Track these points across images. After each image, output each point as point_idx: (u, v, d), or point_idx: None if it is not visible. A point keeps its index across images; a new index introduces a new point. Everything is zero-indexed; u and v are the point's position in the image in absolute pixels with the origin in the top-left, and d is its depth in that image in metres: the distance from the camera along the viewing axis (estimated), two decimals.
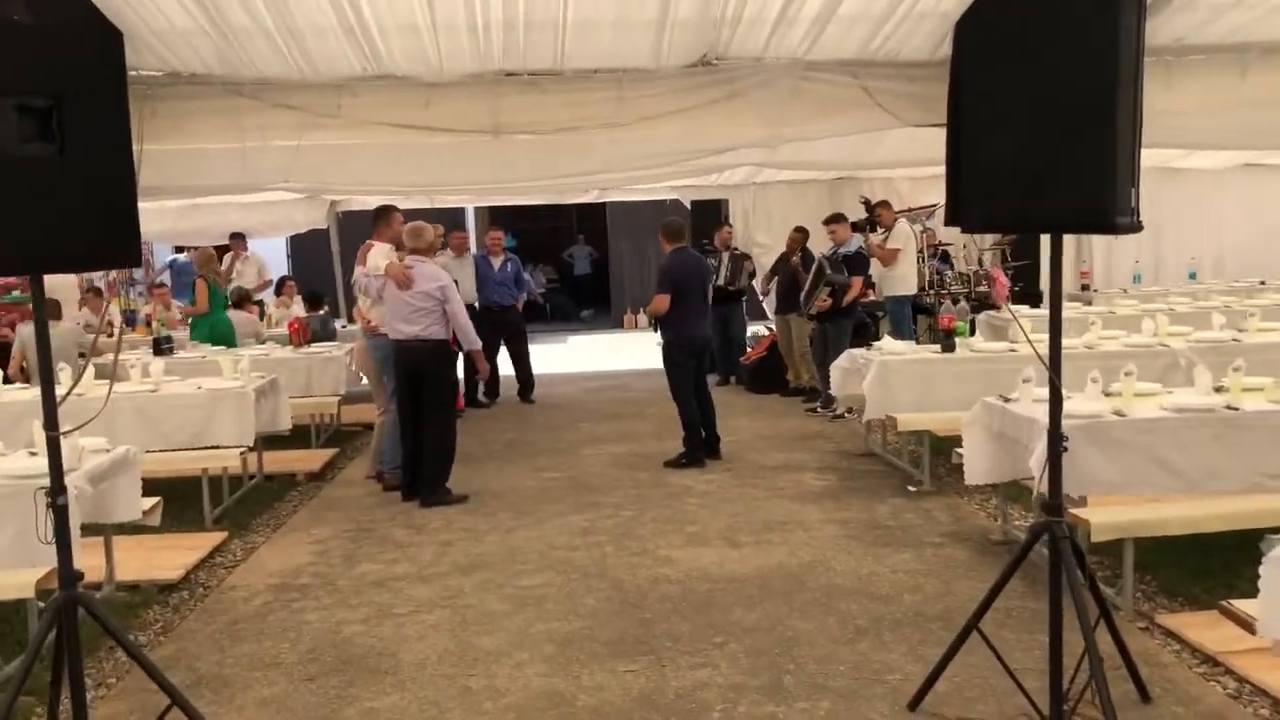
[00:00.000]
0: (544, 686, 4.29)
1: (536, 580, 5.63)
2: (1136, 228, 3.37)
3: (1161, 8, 3.77)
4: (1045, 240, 11.04)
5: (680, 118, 4.63)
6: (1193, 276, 12.68)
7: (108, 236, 3.14)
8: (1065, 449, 3.70)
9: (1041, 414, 5.18)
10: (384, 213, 7.66)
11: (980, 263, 12.74)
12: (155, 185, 4.14)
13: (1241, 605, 3.63)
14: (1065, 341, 7.88)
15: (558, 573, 5.74)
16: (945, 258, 12.42)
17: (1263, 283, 12.18)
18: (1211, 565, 5.15)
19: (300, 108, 4.61)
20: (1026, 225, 3.56)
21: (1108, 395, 5.39)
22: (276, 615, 5.27)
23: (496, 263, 11.60)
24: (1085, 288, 12.79)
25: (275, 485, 7.95)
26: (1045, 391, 5.49)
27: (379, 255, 7.36)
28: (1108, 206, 3.20)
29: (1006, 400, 5.57)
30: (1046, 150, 3.29)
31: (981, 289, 12.04)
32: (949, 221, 3.58)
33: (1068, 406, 5.23)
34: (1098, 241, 13.37)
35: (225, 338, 10.06)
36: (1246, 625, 3.51)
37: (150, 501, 5.59)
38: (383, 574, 5.86)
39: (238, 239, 13.00)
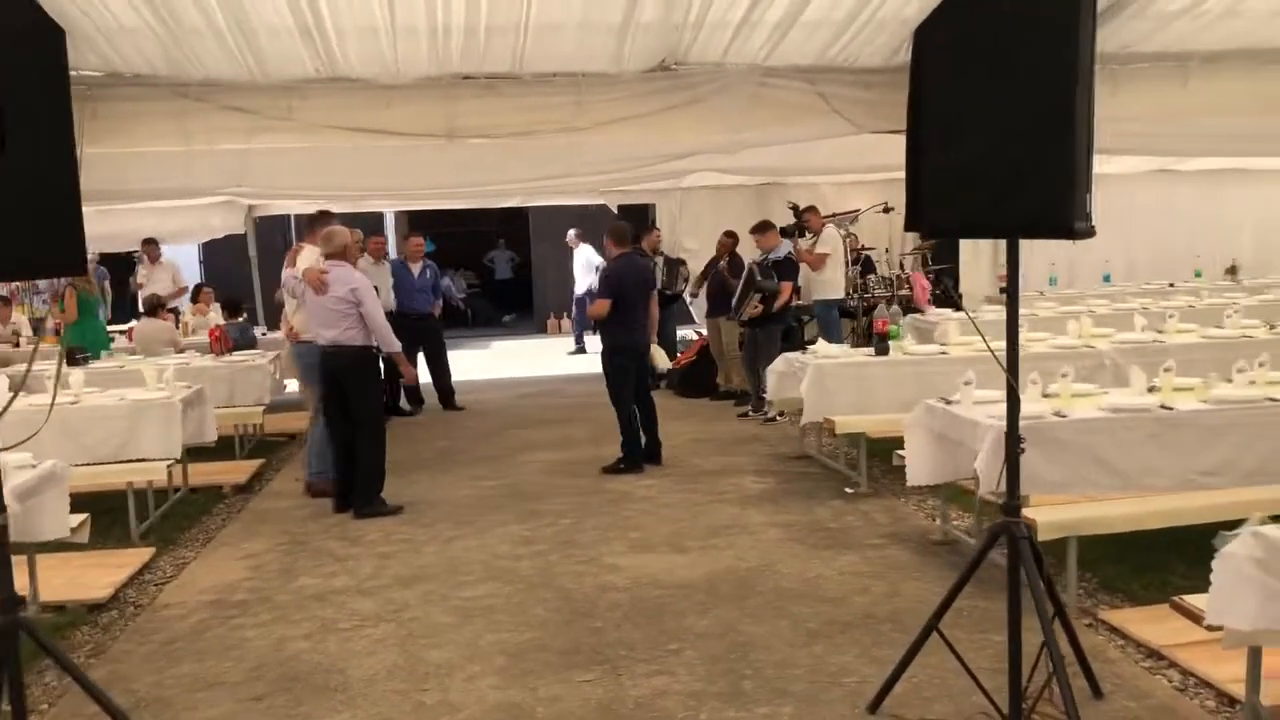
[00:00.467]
0: (500, 699, 4.22)
1: (481, 591, 5.54)
2: (1091, 232, 3.43)
3: (1112, 16, 3.86)
4: (965, 246, 11.38)
5: (639, 123, 4.59)
6: (1107, 279, 13.04)
7: (50, 243, 3.00)
8: (1023, 450, 3.75)
9: (983, 415, 5.30)
10: (317, 218, 7.51)
11: (902, 267, 12.97)
12: (96, 190, 3.95)
13: (1193, 600, 3.72)
14: (993, 344, 8.04)
15: (503, 583, 5.66)
16: (868, 263, 12.61)
17: (1172, 285, 12.59)
18: (1149, 561, 5.28)
19: (250, 110, 4.46)
20: (987, 230, 3.61)
21: (1046, 396, 5.49)
22: (215, 633, 5.11)
23: (415, 269, 11.43)
24: (1003, 290, 13.03)
25: (201, 498, 7.71)
26: (986, 393, 5.65)
27: (308, 257, 7.21)
28: (1068, 212, 3.25)
29: (948, 402, 5.64)
30: (1007, 156, 3.33)
31: (904, 293, 12.26)
32: (908, 227, 3.61)
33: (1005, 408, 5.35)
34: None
35: (97, 346, 9.71)
36: (1198, 619, 3.59)
37: (78, 518, 5.37)
38: (322, 588, 5.72)
39: (150, 244, 12.57)
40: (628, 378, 8.16)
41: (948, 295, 12.67)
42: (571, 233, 16.59)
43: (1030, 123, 3.27)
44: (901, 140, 8.70)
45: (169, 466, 6.91)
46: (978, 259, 13.94)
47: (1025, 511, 4.97)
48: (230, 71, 4.47)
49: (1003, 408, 5.26)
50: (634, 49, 4.49)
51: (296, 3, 4.00)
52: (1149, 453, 5.17)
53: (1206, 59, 4.73)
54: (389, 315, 9.52)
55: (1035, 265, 13.66)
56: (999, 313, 10.48)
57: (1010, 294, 3.70)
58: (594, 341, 15.98)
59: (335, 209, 10.27)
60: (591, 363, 15.27)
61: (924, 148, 3.55)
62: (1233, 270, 12.90)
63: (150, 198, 9.16)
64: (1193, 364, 6.84)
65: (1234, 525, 4.14)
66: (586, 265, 16.13)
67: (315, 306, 7.11)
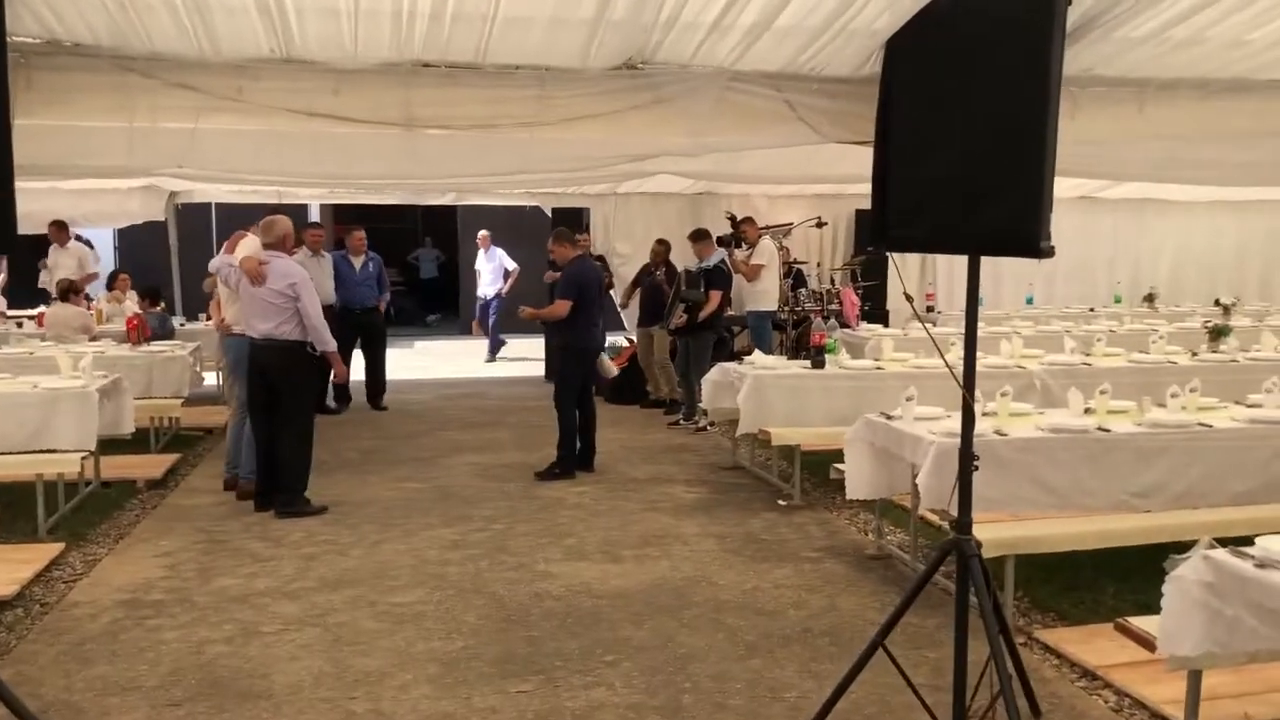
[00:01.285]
0: (433, 709, 4.08)
1: (411, 597, 5.38)
2: (1052, 252, 3.43)
3: (1077, 39, 3.89)
4: (894, 261, 11.29)
5: (603, 121, 4.49)
6: (1030, 301, 13.27)
7: None
8: (977, 467, 3.74)
9: (925, 430, 5.31)
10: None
11: (832, 282, 13.06)
12: (28, 164, 3.71)
13: (1139, 623, 3.74)
14: (926, 362, 8.11)
15: (432, 588, 5.51)
16: (799, 276, 12.66)
17: (1092, 310, 12.87)
18: (1078, 580, 5.33)
19: (198, 88, 4.25)
20: (951, 246, 3.59)
21: (985, 415, 5.52)
22: (129, 634, 4.88)
23: (357, 262, 11.19)
24: (930, 308, 13.22)
25: (114, 493, 7.40)
26: (927, 409, 5.67)
27: (248, 246, 6.98)
28: (1035, 231, 3.24)
29: (889, 417, 5.64)
30: (973, 172, 3.32)
31: (833, 307, 12.34)
32: (871, 242, 3.58)
33: (948, 425, 5.37)
34: (941, 263, 13.89)
35: None
36: (1144, 642, 3.61)
37: None
38: (243, 589, 5.51)
39: (58, 227, 12.03)
40: (578, 382, 8.07)
41: (878, 310, 12.84)
42: (483, 233, 15.88)
43: (998, 140, 3.26)
44: (842, 149, 8.78)
45: (83, 459, 6.61)
46: (906, 277, 14.05)
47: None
48: (179, 46, 4.25)
49: (945, 424, 5.37)
50: (601, 46, 4.39)
51: None
52: (1085, 473, 5.23)
53: (1162, 86, 4.80)
54: (330, 310, 9.33)
55: (962, 284, 13.88)
56: (926, 330, 10.62)
57: (970, 312, 3.69)
58: (514, 347, 15.84)
59: (258, 200, 10.04)
60: (514, 366, 15.18)
61: (891, 161, 3.52)
62: (1150, 297, 13.22)
63: (87, 175, 8.77)
64: (1120, 387, 6.94)
65: (1174, 548, 4.21)
66: (497, 269, 15.60)
67: (250, 298, 6.87)
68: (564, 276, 8.15)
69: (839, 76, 4.59)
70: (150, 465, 8.03)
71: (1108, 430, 5.29)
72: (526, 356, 15.53)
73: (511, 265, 15.41)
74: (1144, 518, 5.15)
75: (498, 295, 15.56)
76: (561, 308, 7.94)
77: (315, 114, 4.38)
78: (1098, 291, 13.67)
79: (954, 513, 4.98)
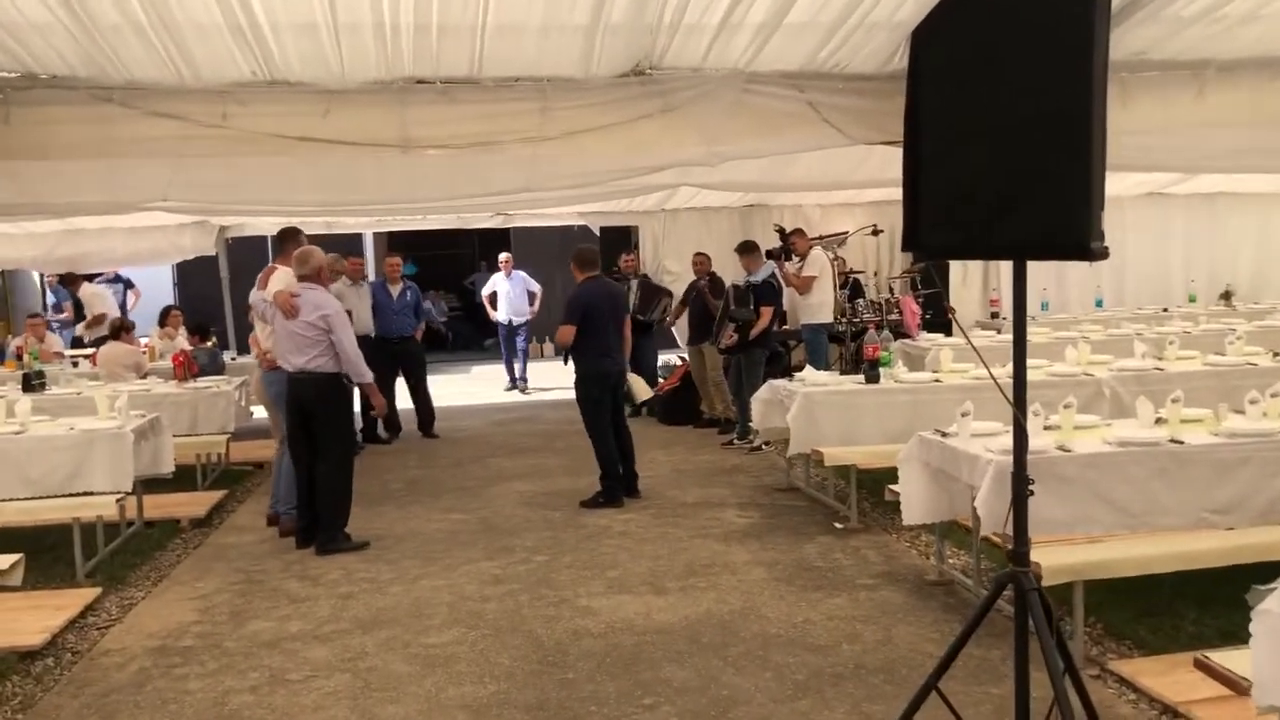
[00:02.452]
0: None
1: (446, 637, 5.17)
2: (1106, 254, 3.12)
3: (1122, 20, 3.57)
4: (955, 269, 10.97)
5: (610, 132, 4.24)
6: (1099, 304, 12.77)
7: None
8: (1032, 492, 3.41)
9: (982, 449, 4.97)
10: (290, 235, 7.17)
11: (891, 291, 12.67)
12: (6, 203, 3.59)
13: (1220, 659, 3.37)
14: (983, 372, 7.72)
15: (468, 628, 5.29)
16: (856, 286, 12.31)
17: (1166, 310, 12.33)
18: (1156, 605, 4.94)
19: (180, 116, 4.09)
20: (991, 251, 3.28)
21: (1048, 429, 5.16)
22: (155, 685, 4.72)
23: (395, 290, 11.09)
24: (994, 315, 12.79)
25: (157, 533, 7.31)
26: (984, 425, 5.32)
27: (280, 280, 6.86)
28: (1084, 231, 2.94)
29: (944, 435, 5.31)
30: (1014, 170, 3.03)
31: (893, 317, 11.96)
32: (905, 247, 3.29)
33: (1007, 441, 5.01)
34: (1005, 267, 13.43)
35: None
36: (1228, 682, 3.25)
37: (10, 558, 4.99)
38: (275, 633, 5.34)
39: (69, 278, 12.61)
40: (602, 407, 7.81)
41: (940, 319, 12.44)
42: (505, 256, 14.77)
43: (1040, 133, 2.97)
44: (894, 152, 8.42)
45: (119, 500, 6.51)
46: (968, 283, 13.68)
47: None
48: (156, 74, 4.09)
49: (1003, 440, 5.02)
50: (604, 52, 4.15)
51: None
52: (1158, 489, 4.84)
53: (1222, 68, 4.42)
54: (368, 339, 9.22)
55: (1029, 290, 13.40)
56: (990, 339, 10.22)
57: (1017, 320, 3.38)
58: (538, 376, 15.19)
59: (310, 229, 9.95)
60: (567, 388, 14.92)
61: (923, 160, 3.23)
62: (1227, 295, 12.64)
63: (67, 213, 8.71)
64: (1195, 393, 6.54)
65: (1259, 569, 3.83)
66: (520, 293, 14.39)
67: (284, 331, 6.75)
68: (567, 300, 7.89)
69: (864, 74, 4.29)
70: (195, 503, 7.94)
71: (1181, 442, 4.91)
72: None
73: (535, 287, 14.55)
74: (1224, 536, 4.76)
75: (526, 322, 14.60)
76: (566, 334, 7.71)
77: (306, 138, 4.19)
78: (1172, 291, 13.09)
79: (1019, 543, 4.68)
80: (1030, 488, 3.39)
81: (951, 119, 3.15)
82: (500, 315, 14.50)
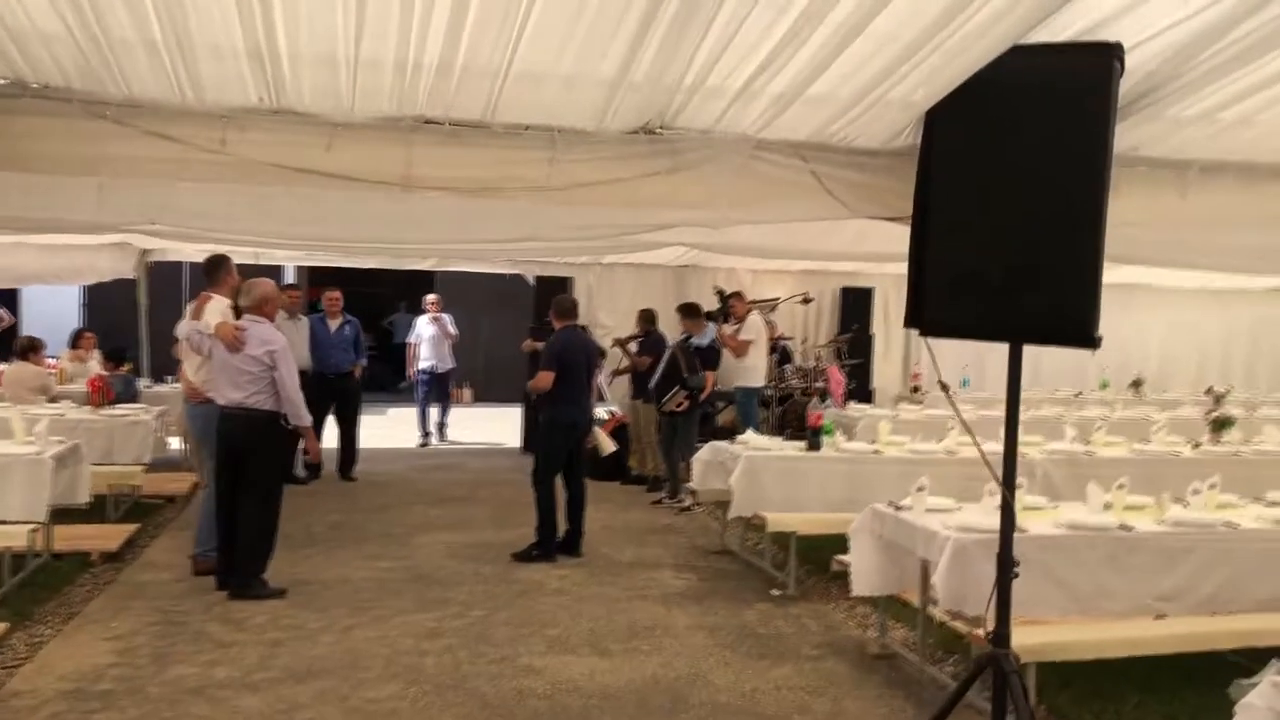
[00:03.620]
0: None
1: (385, 691, 4.98)
2: (1100, 343, 3.19)
3: (1124, 116, 3.68)
4: (878, 342, 11.10)
5: (617, 188, 4.21)
6: None
7: None
8: (1017, 574, 3.44)
9: (939, 524, 5.00)
10: (221, 263, 6.94)
11: (818, 359, 12.84)
12: None
13: None
14: (924, 446, 7.82)
15: (408, 682, 5.10)
16: (785, 353, 12.44)
17: (1079, 394, 12.70)
18: (1099, 687, 5.01)
19: (177, 138, 3.93)
20: (995, 334, 3.32)
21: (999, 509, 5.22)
22: None
23: (334, 325, 10.85)
24: (915, 389, 13.02)
25: (65, 566, 6.92)
26: (938, 500, 5.37)
27: (216, 310, 6.61)
28: (1087, 319, 3.00)
29: (898, 508, 5.34)
30: (1021, 255, 3.08)
31: (819, 384, 12.10)
32: (908, 324, 3.32)
33: (963, 518, 5.08)
34: (925, 343, 13.71)
35: None
36: None
37: None
38: (201, 679, 5.08)
39: None
40: (558, 457, 7.71)
41: (863, 388, 12.62)
42: (431, 297, 13.88)
43: (1049, 221, 3.03)
44: (834, 228, 8.56)
45: (32, 531, 6.17)
46: (889, 358, 13.96)
47: (982, 633, 4.67)
48: (157, 92, 3.93)
49: (960, 516, 5.08)
50: (620, 107, 4.13)
51: (251, 22, 3.52)
52: (1106, 575, 4.93)
53: (1205, 168, 4.61)
54: (305, 375, 8.95)
55: (947, 365, 13.70)
56: (916, 412, 10.39)
57: (1010, 403, 3.42)
58: (456, 425, 14.54)
59: (238, 258, 9.67)
60: (490, 436, 14.75)
61: (930, 239, 3.27)
62: (1137, 384, 13.08)
63: (50, 230, 8.31)
64: (1120, 477, 6.73)
65: (1203, 657, 3.89)
66: (439, 337, 13.54)
67: (222, 364, 6.49)
68: (546, 346, 7.86)
69: (869, 149, 4.35)
70: (106, 536, 7.56)
71: (1130, 528, 5.01)
72: (482, 435, 15.07)
73: (454, 331, 13.64)
74: (1174, 624, 4.85)
75: (431, 369, 13.61)
76: (544, 379, 7.64)
77: (305, 170, 4.07)
78: (1085, 376, 13.51)
79: (968, 612, 4.70)
80: (1016, 569, 3.42)
81: (961, 201, 3.20)
82: (423, 362, 13.54)
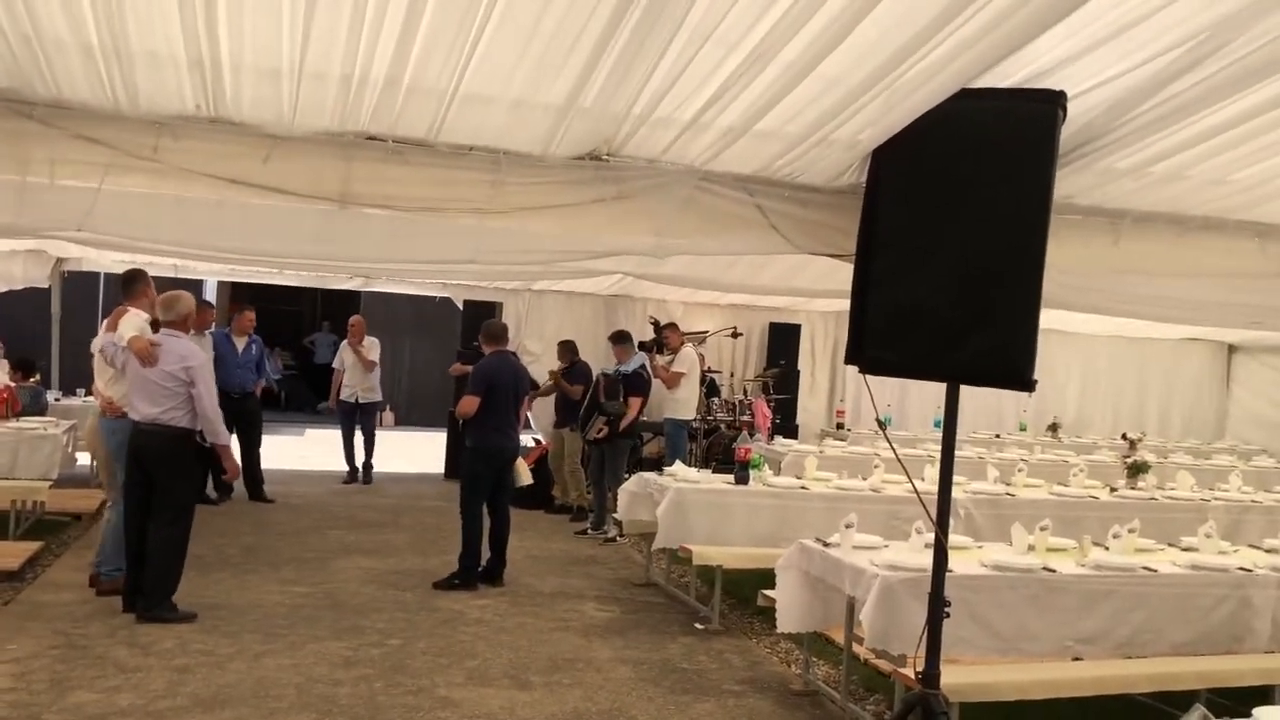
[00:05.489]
0: None
1: None
2: (1035, 385, 3.21)
3: (1061, 165, 3.73)
4: (804, 377, 11.19)
5: (562, 213, 4.16)
6: (937, 425, 13.24)
7: None
8: (948, 614, 3.44)
9: (867, 562, 5.00)
10: (138, 276, 6.76)
11: (745, 393, 12.91)
12: None
13: None
14: (850, 483, 7.85)
15: (320, 713, 4.95)
16: (712, 386, 12.48)
17: (998, 436, 12.90)
18: None
19: (106, 143, 3.78)
20: (934, 373, 3.33)
21: (928, 546, 5.25)
22: None
23: (240, 343, 10.59)
24: (840, 425, 13.13)
25: None
26: (866, 538, 5.38)
27: (130, 324, 6.40)
28: (1025, 362, 3.02)
29: (825, 544, 5.34)
30: (963, 297, 3.10)
31: (745, 418, 12.16)
32: (848, 360, 3.32)
33: (890, 556, 5.09)
34: (851, 379, 13.87)
35: None
36: None
37: None
38: (103, 706, 4.87)
39: None
40: (483, 485, 7.58)
41: (788, 424, 12.70)
42: (355, 318, 12.59)
43: (991, 264, 3.06)
44: (765, 263, 8.59)
45: None
46: (814, 393, 14.07)
47: (907, 672, 4.67)
48: (88, 95, 3.78)
49: (887, 554, 5.09)
50: (567, 133, 4.08)
51: (193, 31, 3.41)
52: (1028, 615, 4.97)
53: (1138, 219, 4.72)
54: None
55: (869, 403, 13.85)
56: (840, 448, 10.46)
57: (946, 443, 3.43)
58: (384, 460, 13.60)
59: (156, 270, 9.41)
60: (413, 461, 14.50)
61: (872, 278, 3.28)
62: (1054, 427, 13.34)
63: None
64: (1041, 519, 6.84)
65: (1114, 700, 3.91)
66: (357, 365, 12.12)
67: (137, 378, 6.29)
68: (474, 370, 7.76)
69: (813, 185, 4.37)
70: (6, 554, 7.25)
71: (1053, 570, 5.06)
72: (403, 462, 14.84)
73: (374, 359, 12.21)
74: (1093, 666, 4.91)
75: (377, 402, 12.54)
76: (468, 404, 7.53)
77: (240, 182, 3.94)
78: (1004, 419, 13.76)
79: (893, 651, 4.70)
80: (946, 610, 3.42)
81: (905, 241, 3.22)
82: (345, 390, 12.16)
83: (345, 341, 12.41)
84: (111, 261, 11.20)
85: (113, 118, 3.85)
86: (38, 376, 10.42)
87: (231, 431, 10.25)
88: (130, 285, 6.82)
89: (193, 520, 6.60)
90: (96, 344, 6.74)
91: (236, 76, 3.68)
